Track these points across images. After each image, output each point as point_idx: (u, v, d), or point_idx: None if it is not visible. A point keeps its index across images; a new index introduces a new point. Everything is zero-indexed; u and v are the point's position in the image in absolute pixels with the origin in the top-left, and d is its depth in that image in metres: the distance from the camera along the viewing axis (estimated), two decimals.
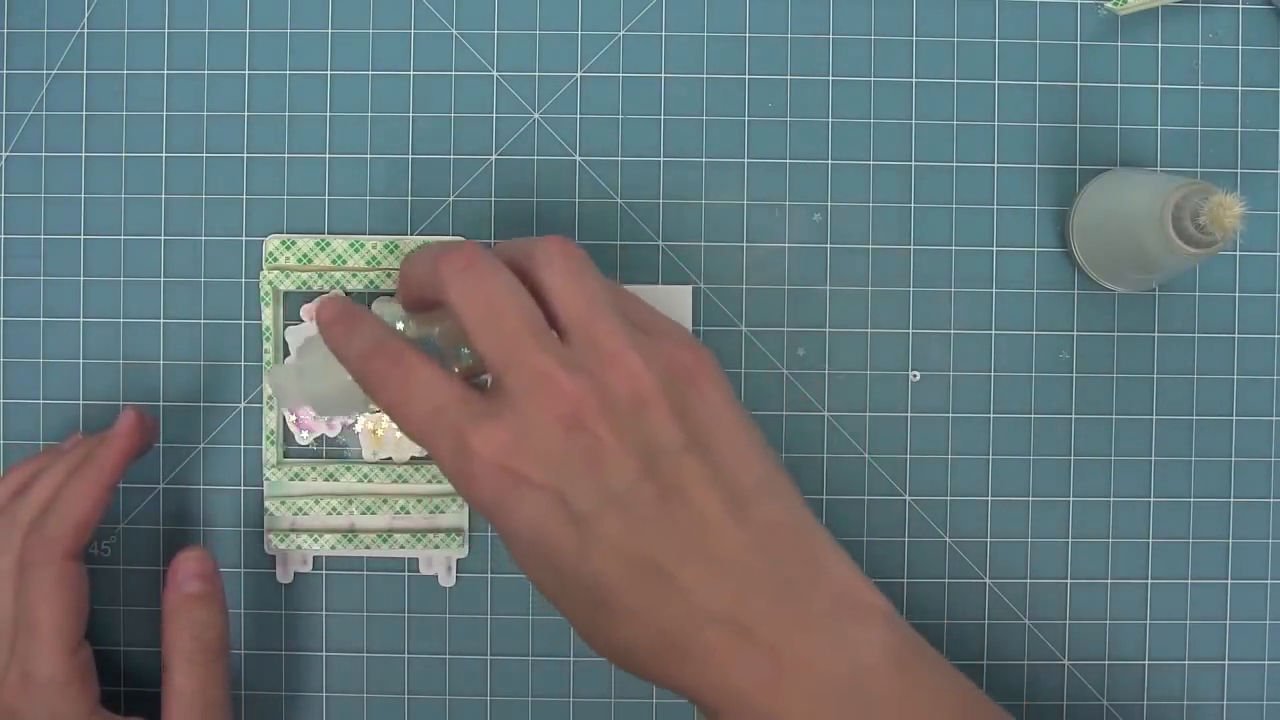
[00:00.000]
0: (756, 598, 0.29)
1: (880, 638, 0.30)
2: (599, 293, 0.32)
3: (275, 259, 0.43)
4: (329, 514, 0.43)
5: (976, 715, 0.31)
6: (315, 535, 0.43)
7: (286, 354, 0.43)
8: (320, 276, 0.43)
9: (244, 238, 0.43)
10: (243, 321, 0.43)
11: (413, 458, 0.43)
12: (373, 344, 0.32)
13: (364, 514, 0.43)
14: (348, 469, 0.43)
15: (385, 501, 0.43)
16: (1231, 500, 0.43)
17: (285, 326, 0.43)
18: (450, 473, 0.31)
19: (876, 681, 0.29)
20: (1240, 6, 0.44)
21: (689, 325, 0.43)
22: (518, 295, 0.31)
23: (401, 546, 0.43)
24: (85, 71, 0.43)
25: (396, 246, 0.43)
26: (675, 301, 0.43)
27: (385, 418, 0.43)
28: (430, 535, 0.43)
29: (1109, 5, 0.42)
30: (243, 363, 0.43)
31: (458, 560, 0.43)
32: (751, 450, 0.31)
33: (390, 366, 0.31)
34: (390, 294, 0.43)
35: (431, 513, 0.43)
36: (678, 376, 0.31)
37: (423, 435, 0.31)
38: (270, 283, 0.43)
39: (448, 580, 0.43)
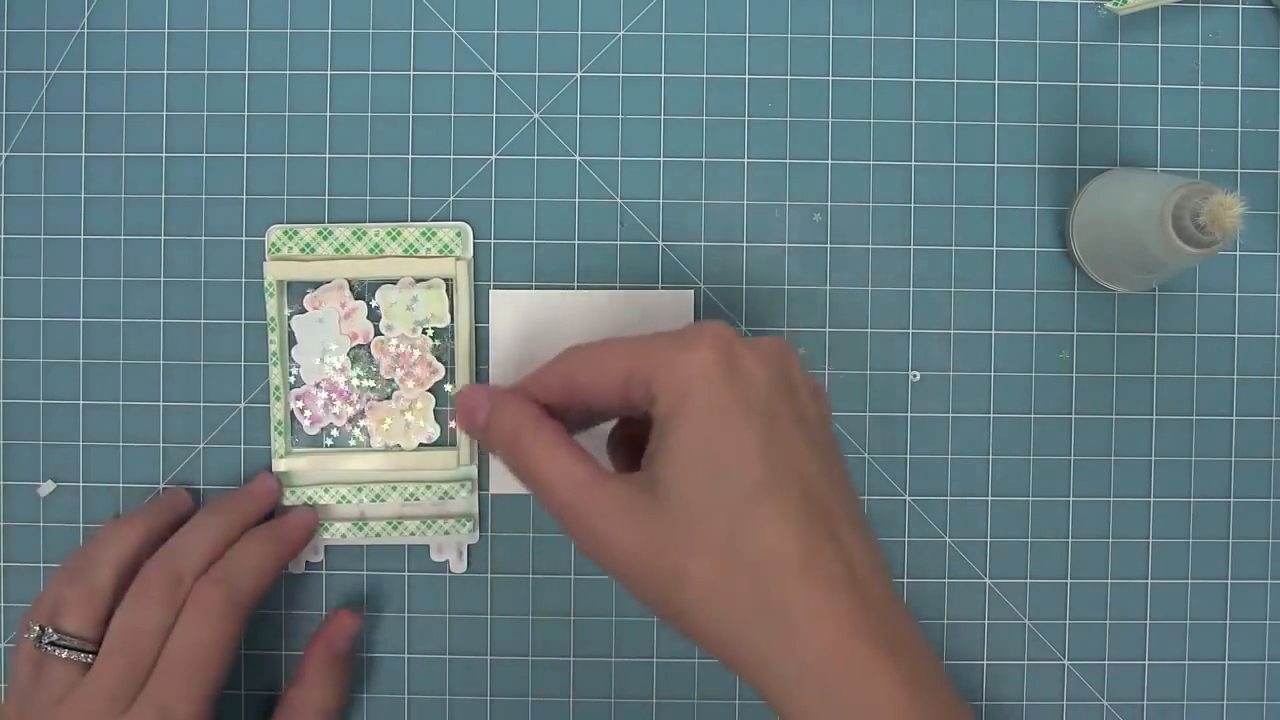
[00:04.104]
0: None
1: None
2: None
3: (278, 249, 0.43)
4: (338, 503, 0.43)
5: None
6: (326, 524, 0.43)
7: (293, 343, 0.43)
8: (324, 265, 0.43)
9: (244, 237, 0.43)
10: (243, 321, 0.43)
11: (420, 445, 0.43)
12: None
13: (373, 502, 0.43)
14: (356, 458, 0.43)
15: (394, 489, 0.43)
16: (1231, 500, 0.43)
17: (290, 316, 0.43)
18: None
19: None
20: (1240, 6, 0.44)
21: None
22: None
23: (412, 534, 0.43)
24: (85, 71, 0.43)
25: (399, 233, 0.43)
26: (676, 305, 0.43)
27: (394, 407, 0.43)
28: (440, 521, 0.43)
29: (1109, 5, 0.42)
30: (243, 363, 0.43)
31: (469, 546, 0.43)
32: None
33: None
34: (393, 281, 0.43)
35: (441, 499, 0.43)
36: None
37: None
38: (273, 274, 0.42)
39: (459, 566, 0.43)
